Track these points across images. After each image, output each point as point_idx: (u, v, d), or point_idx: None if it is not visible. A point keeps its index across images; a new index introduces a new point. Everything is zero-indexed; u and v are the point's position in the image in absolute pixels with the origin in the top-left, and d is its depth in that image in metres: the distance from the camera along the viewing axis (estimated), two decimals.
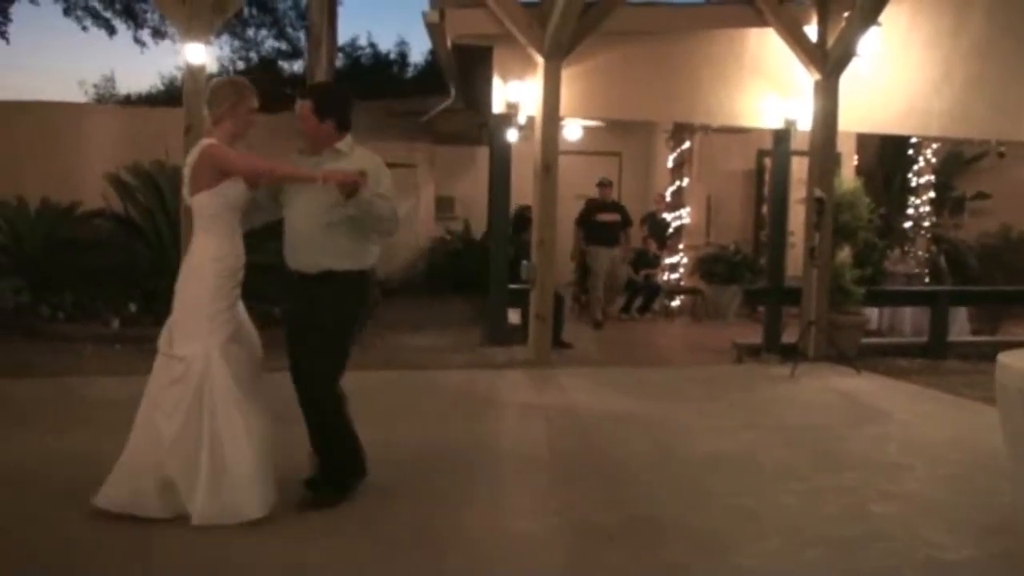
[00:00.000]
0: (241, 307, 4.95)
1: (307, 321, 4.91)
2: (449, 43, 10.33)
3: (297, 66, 28.93)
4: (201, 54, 9.00)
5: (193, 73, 8.97)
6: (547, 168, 9.74)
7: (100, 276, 11.04)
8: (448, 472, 5.88)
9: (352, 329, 5.01)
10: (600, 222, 13.34)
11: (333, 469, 5.13)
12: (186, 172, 4.91)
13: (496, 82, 10.33)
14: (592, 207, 13.55)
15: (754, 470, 6.11)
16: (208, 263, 4.79)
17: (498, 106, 10.39)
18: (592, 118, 12.99)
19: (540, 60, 9.68)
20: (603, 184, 13.75)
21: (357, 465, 5.20)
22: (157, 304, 10.65)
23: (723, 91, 11.06)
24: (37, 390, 8.00)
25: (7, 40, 25.15)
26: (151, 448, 4.67)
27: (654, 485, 5.76)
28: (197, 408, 4.64)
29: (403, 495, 5.33)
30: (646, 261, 14.39)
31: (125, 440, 4.77)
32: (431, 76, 27.99)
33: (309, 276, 4.92)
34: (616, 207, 13.70)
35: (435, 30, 10.15)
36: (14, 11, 24.07)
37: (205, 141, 4.88)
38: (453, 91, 13.72)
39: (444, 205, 16.94)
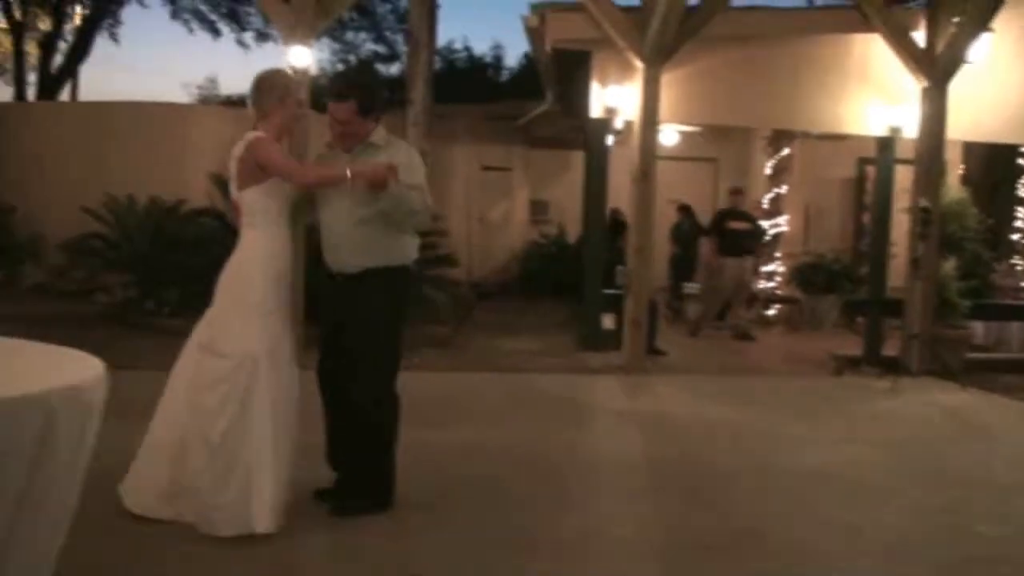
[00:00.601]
0: (286, 311, 4.73)
1: (354, 322, 4.75)
2: (548, 47, 10.36)
3: (394, 68, 29.32)
4: (305, 56, 9.17)
5: (296, 75, 9.11)
6: (645, 174, 9.68)
7: (203, 272, 11.29)
8: (543, 476, 5.88)
9: (400, 326, 4.87)
10: (731, 230, 12.77)
11: (373, 474, 4.92)
12: (232, 166, 4.70)
13: (594, 86, 10.32)
14: (724, 215, 13.03)
15: (856, 485, 5.98)
16: (259, 260, 4.61)
17: (596, 111, 10.37)
18: (690, 124, 12.89)
19: (639, 65, 9.63)
20: (736, 191, 13.28)
21: (392, 477, 4.98)
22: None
23: (826, 97, 10.87)
24: (143, 382, 8.22)
25: (117, 42, 26.01)
26: (174, 447, 4.52)
27: (752, 496, 5.68)
28: (240, 411, 4.42)
29: (498, 498, 5.35)
30: None
31: None
32: (526, 80, 28.13)
33: (350, 276, 4.77)
34: (748, 216, 13.18)
35: (535, 34, 10.18)
36: (124, 14, 24.86)
37: (252, 134, 4.65)
38: (549, 95, 13.75)
39: (538, 209, 16.97)
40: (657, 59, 9.58)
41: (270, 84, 4.73)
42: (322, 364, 4.89)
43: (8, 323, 9.97)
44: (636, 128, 9.78)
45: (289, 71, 4.89)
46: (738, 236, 12.78)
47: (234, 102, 27.89)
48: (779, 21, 10.94)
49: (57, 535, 2.62)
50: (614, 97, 10.21)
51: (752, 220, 13.17)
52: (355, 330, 4.75)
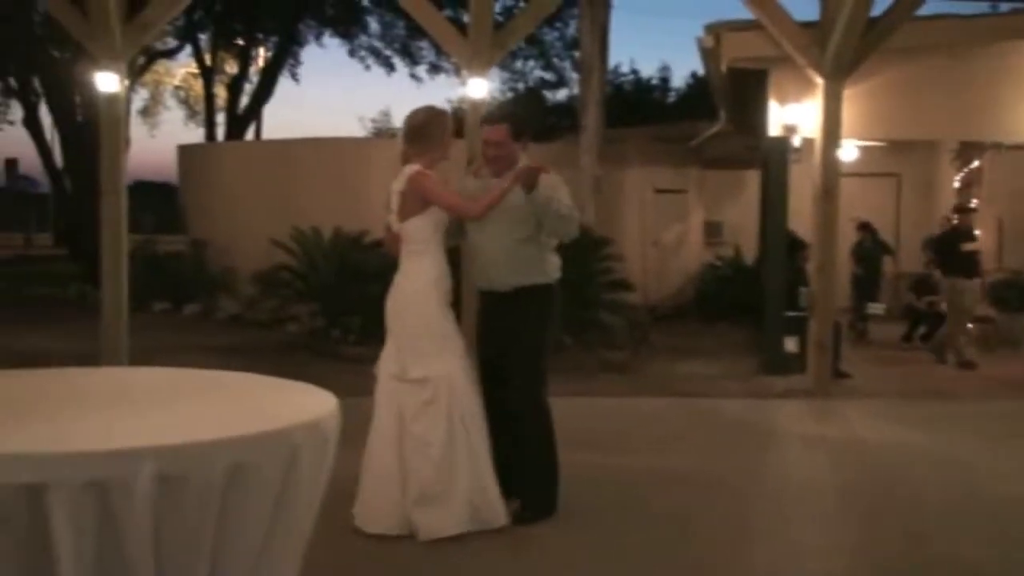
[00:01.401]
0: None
1: (507, 339, 4.99)
2: (724, 67, 10.22)
3: (561, 95, 29.57)
4: (483, 88, 9.34)
5: (475, 107, 9.29)
6: (827, 192, 9.41)
7: (384, 302, 11.62)
8: (731, 504, 5.75)
9: (548, 341, 5.14)
10: (965, 252, 11.83)
11: (540, 485, 5.11)
12: (394, 199, 4.94)
13: (772, 105, 10.13)
14: (955, 235, 12.09)
15: None
16: (431, 285, 4.87)
17: (774, 129, 10.17)
18: (872, 139, 12.46)
19: (820, 81, 9.37)
20: (965, 210, 12.43)
21: (557, 482, 5.18)
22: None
23: (1022, 106, 10.32)
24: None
25: (298, 81, 27.18)
26: (396, 471, 4.77)
27: (953, 527, 5.40)
28: (451, 426, 4.74)
29: (682, 527, 5.25)
30: (929, 287, 13.59)
31: None
32: (694, 100, 27.89)
33: (502, 294, 5.01)
34: (975, 236, 12.15)
35: (709, 55, 10.09)
36: (304, 53, 25.99)
37: (412, 168, 4.88)
38: (723, 114, 13.56)
39: (713, 230, 16.71)
40: (838, 74, 9.30)
41: (432, 124, 4.99)
42: (484, 385, 5.05)
43: (207, 353, 10.56)
44: (817, 145, 9.52)
45: (446, 107, 5.17)
46: (972, 257, 11.96)
47: None
48: (967, 29, 10.48)
49: (296, 562, 2.73)
50: (793, 115, 9.99)
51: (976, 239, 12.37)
52: (507, 346, 4.99)
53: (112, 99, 9.04)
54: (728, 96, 11.86)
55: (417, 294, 4.88)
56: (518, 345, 4.99)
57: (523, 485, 5.06)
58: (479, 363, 5.12)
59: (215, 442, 2.43)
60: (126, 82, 9.40)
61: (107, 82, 8.95)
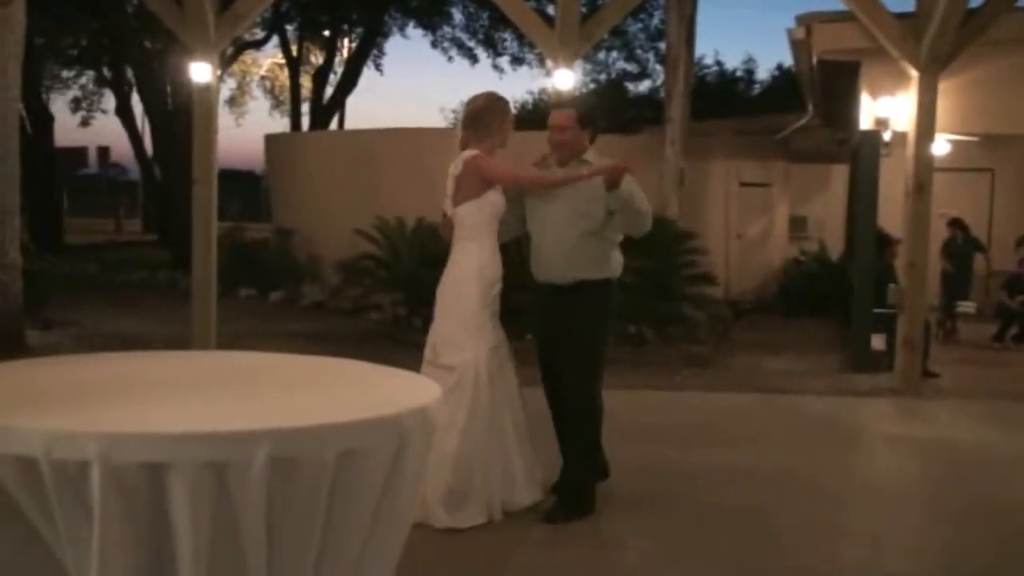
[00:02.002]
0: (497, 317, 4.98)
1: (564, 332, 4.94)
2: (814, 59, 10.07)
3: (643, 86, 29.38)
4: (569, 80, 9.33)
5: (561, 98, 9.29)
6: (920, 187, 9.22)
7: None
8: (815, 503, 5.67)
9: (606, 337, 5.06)
10: None
11: (577, 483, 5.05)
12: (450, 184, 4.94)
13: (864, 98, 9.95)
14: None
15: None
16: (473, 271, 4.84)
17: (865, 122, 9.99)
18: (966, 133, 12.17)
19: (914, 74, 9.18)
20: None
21: (599, 472, 5.15)
22: (521, 318, 11.17)
23: None
24: None
25: (381, 72, 27.44)
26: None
27: None
28: (471, 415, 4.69)
29: (767, 527, 5.18)
30: (1022, 286, 13.25)
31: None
32: (779, 93, 27.48)
33: (561, 287, 4.96)
34: None
35: (800, 46, 9.95)
36: (387, 44, 26.23)
37: (469, 153, 4.88)
38: (810, 108, 13.36)
39: (797, 225, 16.49)
40: (933, 67, 9.10)
41: (492, 110, 4.98)
42: (544, 379, 5.11)
43: (291, 339, 10.73)
44: (909, 139, 9.33)
45: (504, 97, 5.12)
46: None
47: None
48: None
49: (398, 549, 2.78)
50: (885, 108, 9.81)
51: None
52: (564, 340, 4.94)
53: (205, 89, 9.24)
54: (817, 89, 11.68)
55: (459, 279, 4.88)
56: (573, 340, 4.93)
57: (560, 482, 5.04)
58: (539, 359, 5.13)
59: (329, 426, 2.49)
60: (218, 72, 9.59)
61: (201, 72, 9.14)
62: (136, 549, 2.34)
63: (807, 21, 9.93)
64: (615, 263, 5.06)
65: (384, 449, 2.54)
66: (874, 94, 9.93)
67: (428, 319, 12.03)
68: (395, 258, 12.61)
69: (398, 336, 11.48)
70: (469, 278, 4.85)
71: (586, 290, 4.93)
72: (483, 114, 4.97)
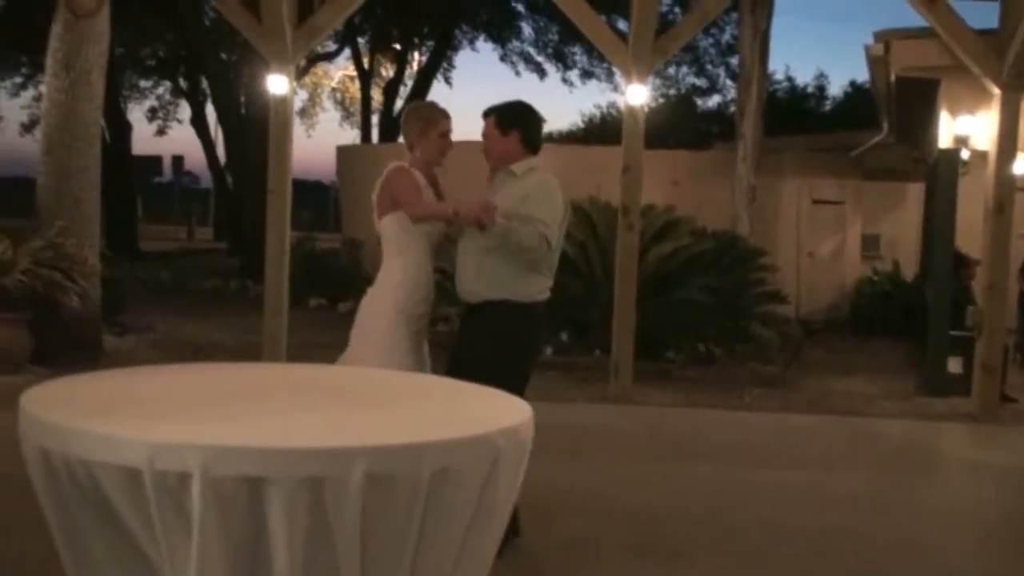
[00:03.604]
0: (426, 351, 4.71)
1: (465, 353, 4.59)
2: (892, 75, 9.94)
3: (712, 102, 29.24)
4: (642, 95, 9.31)
5: (633, 113, 9.29)
6: (1000, 207, 9.04)
7: None
8: (887, 527, 5.58)
9: (510, 367, 4.42)
10: None
11: None
12: (373, 196, 4.73)
13: (943, 115, 9.79)
14: None
15: None
16: (389, 289, 4.60)
17: (944, 140, 9.83)
18: None
19: (996, 91, 9.01)
20: None
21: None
22: (589, 334, 11.12)
23: None
24: None
25: (451, 85, 27.65)
26: None
27: None
28: None
29: (837, 547, 5.13)
30: None
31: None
32: (851, 109, 27.17)
33: (471, 306, 4.64)
34: None
35: (878, 63, 9.83)
36: (457, 58, 26.42)
37: (393, 164, 4.72)
38: (885, 125, 13.18)
39: (870, 243, 16.26)
40: (1016, 84, 8.93)
41: (414, 117, 4.82)
42: None
43: None
44: (990, 158, 9.16)
45: (437, 105, 4.95)
46: None
47: (554, 139, 28.87)
48: None
49: (487, 569, 2.79)
50: (965, 126, 9.64)
51: None
52: (461, 362, 4.54)
53: (282, 101, 9.36)
54: (894, 106, 11.51)
55: (373, 299, 4.67)
56: (463, 363, 4.43)
57: None
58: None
59: (424, 444, 2.49)
60: (294, 84, 9.72)
61: (277, 84, 9.27)
62: (233, 561, 2.37)
63: (886, 37, 9.81)
64: (532, 287, 4.60)
65: (478, 468, 2.55)
66: (953, 112, 9.76)
67: None
68: None
69: None
70: (385, 296, 4.62)
71: (491, 311, 4.55)
72: (402, 125, 4.86)
